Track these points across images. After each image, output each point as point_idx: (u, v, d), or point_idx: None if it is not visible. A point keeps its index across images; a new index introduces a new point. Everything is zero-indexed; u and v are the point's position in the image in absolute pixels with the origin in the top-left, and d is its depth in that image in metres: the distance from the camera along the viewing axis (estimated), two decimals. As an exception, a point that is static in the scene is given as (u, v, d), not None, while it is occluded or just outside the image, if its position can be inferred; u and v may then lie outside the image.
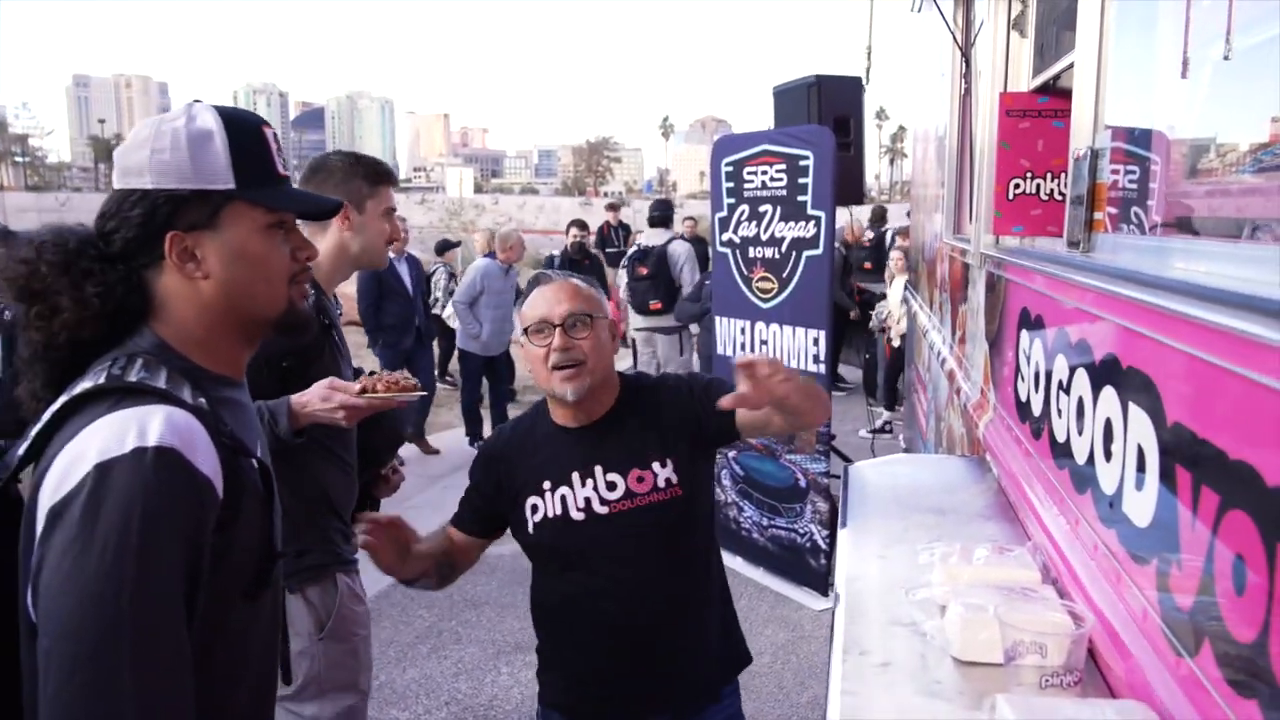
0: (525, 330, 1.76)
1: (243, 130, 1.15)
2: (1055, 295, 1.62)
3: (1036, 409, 1.72)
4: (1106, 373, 1.27)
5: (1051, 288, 1.65)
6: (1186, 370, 0.98)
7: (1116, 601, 1.16)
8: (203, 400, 1.09)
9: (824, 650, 3.95)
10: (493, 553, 2.07)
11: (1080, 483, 1.38)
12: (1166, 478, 1.02)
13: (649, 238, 7.14)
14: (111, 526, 0.95)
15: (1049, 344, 1.64)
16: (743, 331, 4.64)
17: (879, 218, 11.26)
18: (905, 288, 6.33)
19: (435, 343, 7.99)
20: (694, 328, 7.03)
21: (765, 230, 4.42)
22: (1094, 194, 1.55)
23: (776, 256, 4.38)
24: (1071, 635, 1.09)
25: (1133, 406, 1.14)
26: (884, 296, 7.95)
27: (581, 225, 8.29)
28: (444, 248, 9.38)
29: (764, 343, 4.50)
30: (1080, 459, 1.38)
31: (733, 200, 4.61)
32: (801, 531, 4.46)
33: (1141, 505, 1.10)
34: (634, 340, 7.38)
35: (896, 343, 7.34)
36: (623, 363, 9.29)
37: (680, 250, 6.87)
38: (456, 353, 7.50)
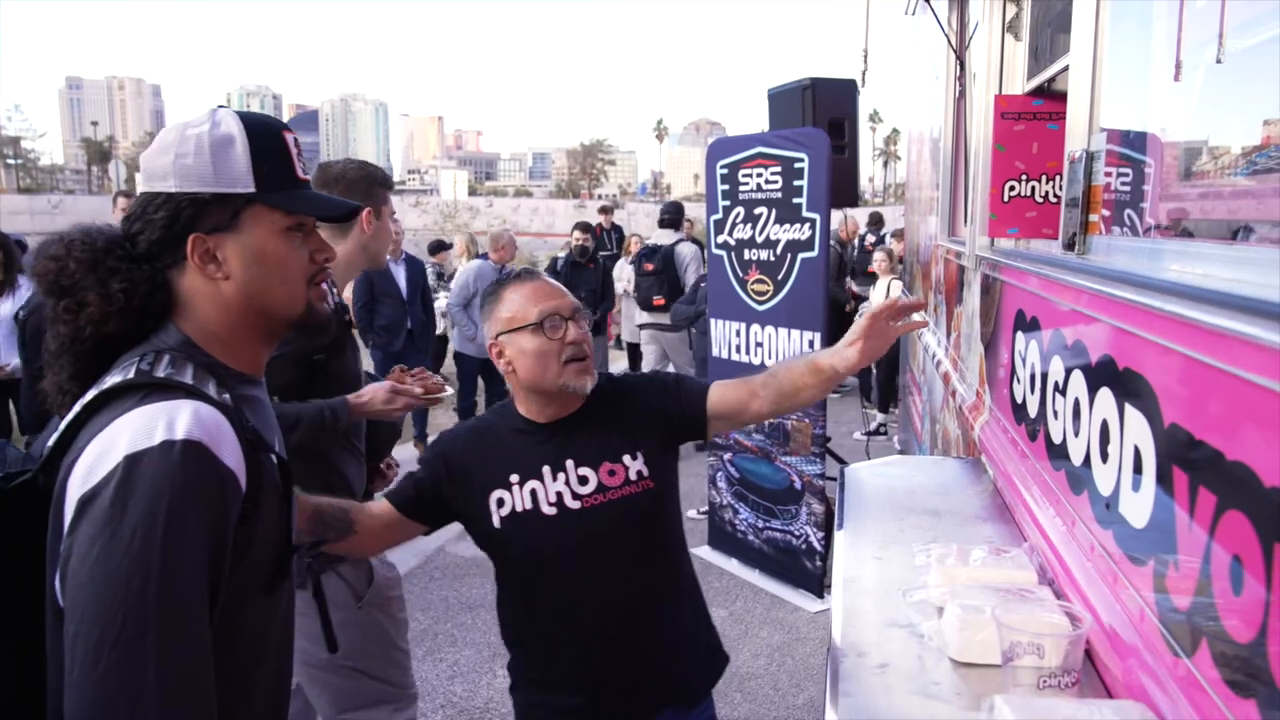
0: (528, 326, 1.71)
1: (264, 135, 1.18)
2: (1050, 297, 1.62)
3: (1032, 410, 1.72)
4: (1103, 374, 1.27)
5: (1047, 290, 1.66)
6: (1183, 371, 0.99)
7: (1113, 602, 1.17)
8: (227, 396, 1.12)
9: (820, 652, 3.95)
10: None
11: (1077, 484, 1.39)
12: (1163, 479, 1.02)
13: (658, 238, 7.23)
14: (139, 517, 0.97)
15: (1044, 346, 1.65)
16: (738, 334, 4.64)
17: (877, 223, 11.29)
18: (902, 292, 6.35)
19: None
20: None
21: (760, 232, 4.43)
22: (1089, 196, 1.56)
23: (772, 259, 4.39)
24: (1069, 636, 1.09)
25: (1129, 408, 1.14)
26: (879, 300, 7.97)
27: (585, 228, 8.28)
28: (436, 248, 9.43)
29: (759, 345, 4.51)
30: (1077, 460, 1.39)
31: (728, 203, 4.62)
32: (797, 533, 4.46)
33: (1138, 506, 1.10)
34: (629, 341, 7.35)
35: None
36: (617, 365, 9.29)
37: (687, 252, 6.93)
38: (451, 355, 7.47)
